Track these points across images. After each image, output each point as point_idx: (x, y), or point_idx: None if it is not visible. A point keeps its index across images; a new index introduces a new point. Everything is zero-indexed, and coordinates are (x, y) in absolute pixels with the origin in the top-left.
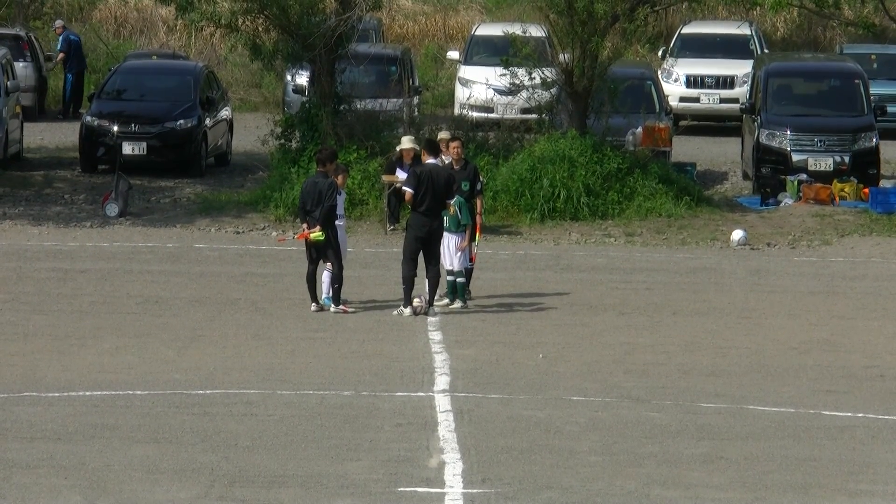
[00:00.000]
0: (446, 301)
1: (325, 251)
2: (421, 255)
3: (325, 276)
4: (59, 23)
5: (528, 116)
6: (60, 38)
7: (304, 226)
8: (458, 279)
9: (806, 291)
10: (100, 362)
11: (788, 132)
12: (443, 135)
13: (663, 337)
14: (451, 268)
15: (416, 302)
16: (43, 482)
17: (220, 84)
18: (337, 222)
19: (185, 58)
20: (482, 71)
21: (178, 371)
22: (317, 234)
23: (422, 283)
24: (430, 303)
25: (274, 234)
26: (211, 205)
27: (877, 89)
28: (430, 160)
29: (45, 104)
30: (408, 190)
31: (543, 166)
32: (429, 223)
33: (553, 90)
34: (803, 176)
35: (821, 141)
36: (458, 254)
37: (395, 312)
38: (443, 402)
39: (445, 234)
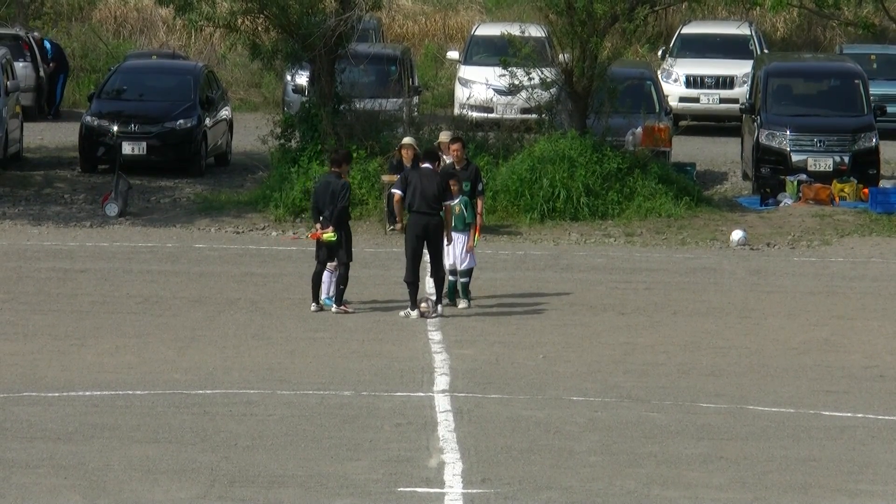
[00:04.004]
0: (446, 301)
1: (336, 251)
2: (427, 257)
3: (325, 276)
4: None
5: (528, 116)
6: (47, 44)
7: (318, 226)
8: (461, 279)
9: (805, 291)
10: (99, 362)
11: (788, 132)
12: (443, 136)
13: (663, 337)
14: (453, 267)
15: (423, 306)
16: (42, 482)
17: (220, 84)
18: None
19: (184, 58)
20: (482, 71)
21: (177, 371)
22: (329, 234)
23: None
24: (438, 302)
25: (274, 233)
26: (211, 205)
27: (876, 89)
28: (425, 165)
29: (44, 104)
30: (396, 192)
31: (543, 166)
32: (425, 220)
33: (553, 90)
34: (803, 176)
35: (820, 141)
36: (464, 254)
37: (402, 314)
38: (442, 402)
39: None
